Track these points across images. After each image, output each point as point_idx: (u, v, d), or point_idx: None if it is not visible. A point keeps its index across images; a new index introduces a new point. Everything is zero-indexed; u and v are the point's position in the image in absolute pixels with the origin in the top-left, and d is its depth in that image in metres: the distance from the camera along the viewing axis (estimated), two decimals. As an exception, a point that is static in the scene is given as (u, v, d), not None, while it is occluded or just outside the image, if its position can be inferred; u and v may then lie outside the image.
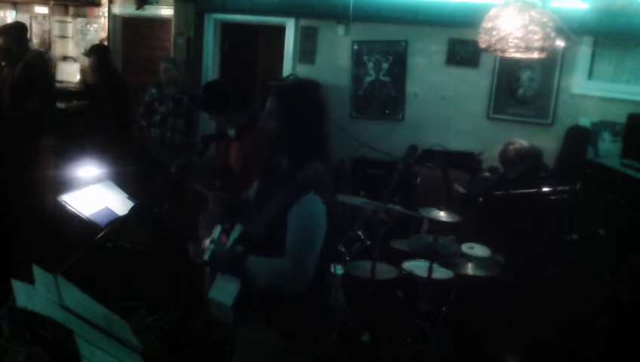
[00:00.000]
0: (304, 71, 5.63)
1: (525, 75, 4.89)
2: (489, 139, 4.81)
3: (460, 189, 4.08)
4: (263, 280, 1.93)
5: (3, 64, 4.90)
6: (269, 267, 1.94)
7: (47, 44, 7.21)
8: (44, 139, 4.98)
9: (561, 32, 3.36)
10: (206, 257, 1.99)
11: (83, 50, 6.63)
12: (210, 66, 6.13)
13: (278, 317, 2.00)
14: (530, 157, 3.78)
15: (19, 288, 1.55)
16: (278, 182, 2.03)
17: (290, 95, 2.08)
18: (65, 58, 7.11)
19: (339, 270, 3.57)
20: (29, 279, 1.64)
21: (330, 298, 2.20)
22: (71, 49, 7.14)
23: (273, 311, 2.00)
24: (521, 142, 3.81)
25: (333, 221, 1.97)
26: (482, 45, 3.33)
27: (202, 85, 4.60)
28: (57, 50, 7.21)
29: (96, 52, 5.60)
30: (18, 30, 4.93)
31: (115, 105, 5.50)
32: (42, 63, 4.96)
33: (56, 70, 6.82)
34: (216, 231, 2.06)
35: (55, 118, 5.17)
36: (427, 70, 5.24)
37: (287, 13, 5.61)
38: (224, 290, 1.98)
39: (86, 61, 6.30)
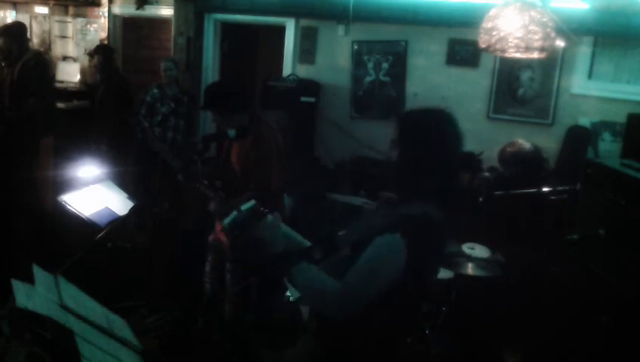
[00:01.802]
0: (304, 71, 5.63)
1: (525, 75, 4.89)
2: (489, 139, 4.80)
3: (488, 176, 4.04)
4: (304, 290, 1.81)
5: (2, 64, 4.90)
6: (315, 280, 1.77)
7: (47, 44, 7.21)
8: (44, 139, 4.99)
9: (561, 32, 3.35)
10: (226, 221, 1.79)
11: (84, 50, 6.66)
12: (210, 66, 6.13)
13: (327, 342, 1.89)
14: (529, 160, 3.75)
15: (19, 288, 1.54)
16: (383, 207, 1.93)
17: (412, 123, 1.94)
18: (65, 58, 7.10)
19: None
20: (29, 279, 1.64)
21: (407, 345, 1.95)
22: (71, 49, 7.14)
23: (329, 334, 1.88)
24: (521, 144, 3.77)
25: (419, 271, 1.77)
26: (482, 45, 3.33)
27: (205, 86, 4.58)
28: (57, 50, 7.20)
29: (102, 52, 5.61)
30: (17, 30, 4.93)
31: (117, 105, 5.50)
32: (41, 64, 4.96)
33: (56, 70, 6.81)
34: (249, 203, 1.84)
35: (55, 118, 5.17)
36: (427, 70, 5.24)
37: (287, 13, 5.61)
38: None
39: (86, 61, 6.32)
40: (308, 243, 1.95)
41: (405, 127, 1.90)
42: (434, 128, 1.89)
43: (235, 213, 1.79)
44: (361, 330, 1.82)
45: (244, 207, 1.81)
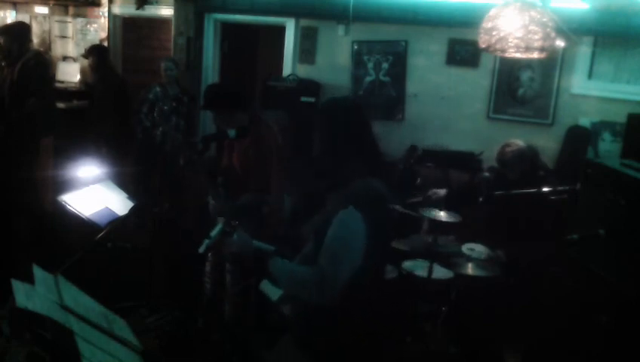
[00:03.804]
0: (304, 71, 5.63)
1: (525, 75, 4.89)
2: (489, 139, 4.81)
3: (440, 193, 4.04)
4: (285, 284, 1.93)
5: (3, 64, 4.89)
6: (292, 272, 1.92)
7: (47, 44, 7.21)
8: (45, 140, 4.98)
9: (561, 32, 3.35)
10: (200, 250, 2.07)
11: (83, 51, 6.65)
12: (210, 66, 6.13)
13: (311, 340, 1.98)
14: (528, 158, 3.77)
15: (19, 288, 1.54)
16: (329, 193, 2.01)
17: (322, 112, 2.11)
18: (65, 58, 7.10)
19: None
20: (29, 279, 1.64)
21: (374, 316, 2.04)
22: (71, 49, 7.14)
23: (306, 331, 1.99)
24: (518, 143, 3.78)
25: (378, 240, 1.90)
26: (482, 45, 3.33)
27: (205, 86, 4.59)
28: (57, 50, 7.21)
29: (95, 52, 5.60)
30: (19, 30, 4.92)
31: (115, 105, 5.49)
32: (41, 64, 4.95)
33: (56, 70, 6.81)
34: (216, 228, 2.11)
35: (55, 118, 5.17)
36: (427, 70, 5.24)
37: (287, 13, 5.61)
38: (273, 286, 2.02)
39: (86, 61, 6.31)
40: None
41: (319, 119, 2.06)
42: (339, 114, 2.06)
43: (206, 240, 2.08)
44: (346, 326, 1.90)
45: (213, 233, 2.09)
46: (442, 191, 4.01)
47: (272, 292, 2.01)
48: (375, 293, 2.00)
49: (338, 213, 1.84)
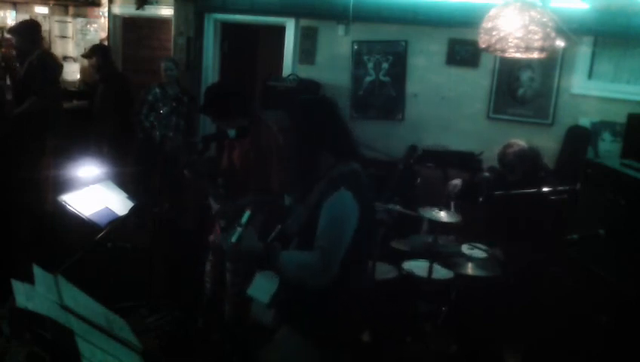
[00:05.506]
0: (304, 71, 5.63)
1: (525, 75, 4.89)
2: (489, 139, 4.81)
3: (457, 183, 4.04)
4: (293, 274, 1.98)
5: (6, 63, 4.90)
6: (298, 260, 1.99)
7: (47, 44, 7.20)
8: (51, 139, 4.98)
9: (561, 32, 3.36)
10: (233, 239, 1.98)
11: (83, 51, 6.66)
12: (210, 66, 6.13)
13: (308, 326, 2.03)
14: (530, 158, 3.78)
15: (19, 288, 1.54)
16: (312, 183, 2.07)
17: (296, 110, 2.17)
18: (65, 58, 7.10)
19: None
20: (29, 279, 1.64)
21: (362, 296, 2.18)
22: (71, 49, 7.14)
23: (302, 318, 2.04)
24: (520, 143, 3.79)
25: (366, 220, 2.01)
26: (482, 45, 3.33)
27: (204, 90, 4.60)
28: (57, 50, 7.20)
29: (98, 52, 5.60)
30: (28, 29, 4.92)
31: (117, 105, 5.49)
32: (44, 63, 4.94)
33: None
34: (245, 216, 2.04)
35: (56, 118, 5.16)
36: (427, 70, 5.24)
37: (287, 13, 5.61)
38: (262, 288, 2.02)
39: (86, 61, 6.32)
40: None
41: (296, 117, 2.14)
42: (316, 112, 2.12)
43: (238, 228, 1.99)
44: (342, 314, 2.00)
45: (243, 220, 2.01)
46: (459, 182, 4.02)
47: (262, 295, 2.01)
48: (363, 273, 2.15)
49: (329, 198, 1.94)
